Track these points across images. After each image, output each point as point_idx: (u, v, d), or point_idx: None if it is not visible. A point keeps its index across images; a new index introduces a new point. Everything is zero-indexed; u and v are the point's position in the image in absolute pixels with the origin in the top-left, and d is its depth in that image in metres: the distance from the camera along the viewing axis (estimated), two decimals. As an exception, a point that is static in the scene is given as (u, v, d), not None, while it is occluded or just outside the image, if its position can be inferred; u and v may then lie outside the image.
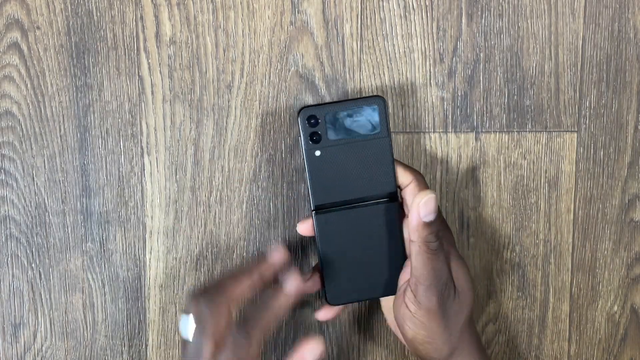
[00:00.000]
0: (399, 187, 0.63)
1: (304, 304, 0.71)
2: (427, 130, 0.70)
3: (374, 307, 0.72)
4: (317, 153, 0.61)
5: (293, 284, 0.59)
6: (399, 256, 0.63)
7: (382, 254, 0.63)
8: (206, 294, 0.57)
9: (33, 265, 0.70)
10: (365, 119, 0.61)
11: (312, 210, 0.63)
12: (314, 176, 0.61)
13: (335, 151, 0.61)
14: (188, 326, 0.57)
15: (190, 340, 0.57)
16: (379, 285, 0.64)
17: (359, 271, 0.63)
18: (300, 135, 0.62)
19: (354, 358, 0.72)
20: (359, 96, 0.69)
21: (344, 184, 0.61)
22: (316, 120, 0.61)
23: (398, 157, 0.70)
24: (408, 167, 0.63)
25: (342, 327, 0.72)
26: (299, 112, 0.62)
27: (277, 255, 0.61)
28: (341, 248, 0.62)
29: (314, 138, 0.61)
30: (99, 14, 0.68)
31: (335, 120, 0.61)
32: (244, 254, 0.71)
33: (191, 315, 0.57)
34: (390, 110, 0.70)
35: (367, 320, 0.72)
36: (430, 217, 0.58)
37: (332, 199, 0.62)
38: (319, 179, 0.61)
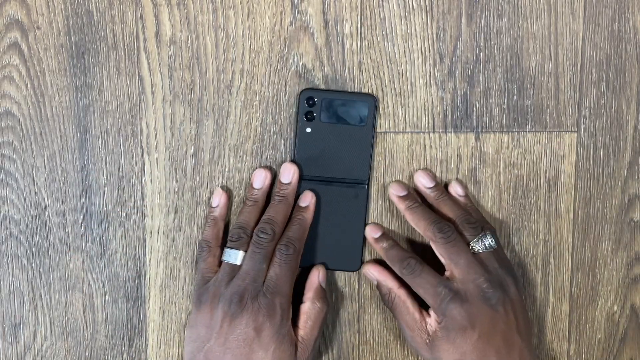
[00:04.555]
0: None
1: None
2: (427, 130, 0.70)
3: (374, 307, 0.72)
4: (308, 130, 0.69)
5: (308, 197, 0.69)
6: (360, 236, 0.70)
7: (347, 230, 0.70)
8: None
9: (33, 265, 0.70)
10: (356, 111, 0.69)
11: None
12: (301, 149, 0.69)
13: (324, 132, 0.69)
14: (238, 255, 0.66)
15: (239, 263, 0.66)
16: (339, 259, 0.70)
17: (324, 241, 0.70)
18: (297, 112, 0.69)
19: (354, 358, 0.72)
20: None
21: (325, 162, 0.69)
22: (314, 101, 0.69)
23: (398, 157, 0.70)
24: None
25: (342, 327, 0.72)
26: (300, 92, 0.69)
27: (259, 178, 0.69)
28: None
29: (309, 117, 0.69)
30: (99, 14, 0.68)
31: (330, 106, 0.69)
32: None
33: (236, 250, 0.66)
34: (390, 110, 0.70)
35: (367, 320, 0.72)
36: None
37: (312, 173, 0.69)
38: (305, 152, 0.69)
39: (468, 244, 0.66)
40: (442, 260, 0.66)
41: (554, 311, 0.73)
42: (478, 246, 0.66)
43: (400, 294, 0.68)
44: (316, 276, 0.69)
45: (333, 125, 0.68)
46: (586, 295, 0.73)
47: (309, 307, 0.68)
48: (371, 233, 0.69)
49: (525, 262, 0.72)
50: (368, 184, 0.70)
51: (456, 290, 0.64)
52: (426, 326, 0.66)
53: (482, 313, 0.64)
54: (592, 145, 0.71)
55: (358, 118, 0.69)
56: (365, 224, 0.70)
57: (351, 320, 0.72)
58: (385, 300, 0.69)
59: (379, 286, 0.69)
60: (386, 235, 0.69)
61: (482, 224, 0.68)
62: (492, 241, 0.66)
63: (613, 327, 0.73)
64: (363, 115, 0.69)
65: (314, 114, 0.68)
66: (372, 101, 0.69)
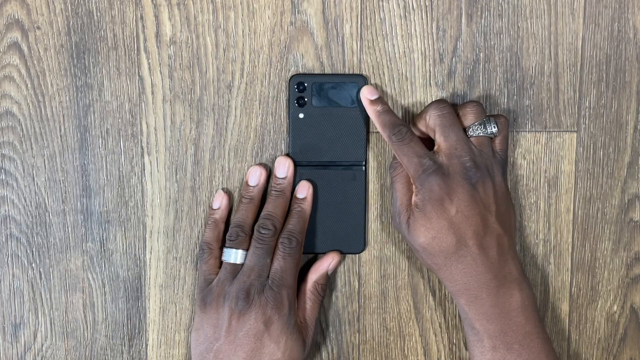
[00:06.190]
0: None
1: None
2: (427, 130, 0.70)
3: (374, 307, 0.72)
4: (301, 115, 0.69)
5: (304, 188, 0.69)
6: (361, 217, 0.70)
7: (348, 213, 0.70)
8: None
9: (33, 265, 0.70)
10: (347, 93, 0.69)
11: None
12: (295, 136, 0.69)
13: (316, 116, 0.69)
14: (238, 254, 0.67)
15: (240, 262, 0.67)
16: (343, 242, 0.70)
17: (326, 226, 0.70)
18: (288, 98, 0.69)
19: (354, 358, 0.72)
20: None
21: (321, 147, 0.69)
22: (304, 86, 0.68)
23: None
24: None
25: (342, 327, 0.72)
26: (290, 78, 0.68)
27: (255, 175, 0.69)
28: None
29: (300, 102, 0.68)
30: (99, 14, 0.68)
31: (320, 90, 0.68)
32: (244, 253, 0.71)
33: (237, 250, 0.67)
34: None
35: (367, 320, 0.72)
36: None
37: (308, 158, 0.69)
38: (299, 138, 0.69)
39: (467, 128, 0.65)
40: (435, 133, 0.65)
41: (554, 311, 0.73)
42: (479, 130, 0.65)
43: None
44: (327, 263, 0.69)
45: (325, 108, 0.68)
46: (586, 295, 0.73)
47: (309, 289, 0.68)
48: (367, 95, 0.67)
49: (525, 262, 0.72)
50: (365, 165, 0.70)
51: (440, 164, 0.64)
52: (412, 204, 0.65)
53: (461, 189, 0.63)
54: (592, 145, 0.71)
55: (350, 99, 0.68)
56: (366, 205, 0.70)
57: (351, 320, 0.72)
58: (392, 166, 0.68)
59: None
60: (382, 99, 0.68)
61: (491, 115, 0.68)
62: (494, 128, 0.65)
63: (613, 327, 0.73)
64: (354, 96, 0.68)
65: (306, 99, 0.68)
66: (362, 81, 0.68)
